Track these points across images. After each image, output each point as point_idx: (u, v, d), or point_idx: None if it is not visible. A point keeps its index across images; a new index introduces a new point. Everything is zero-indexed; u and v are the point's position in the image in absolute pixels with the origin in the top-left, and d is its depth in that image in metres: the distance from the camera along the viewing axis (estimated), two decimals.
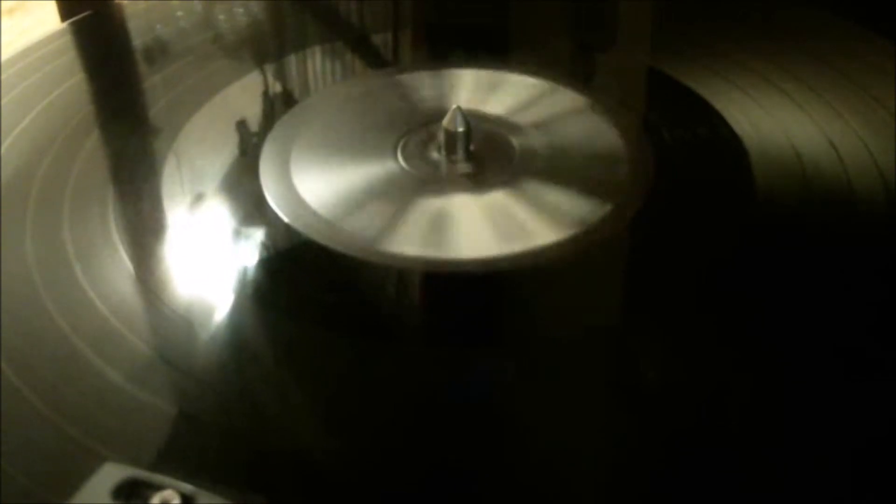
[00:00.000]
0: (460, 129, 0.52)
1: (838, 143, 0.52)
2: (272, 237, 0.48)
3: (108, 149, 0.56)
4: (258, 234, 0.49)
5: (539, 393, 0.39)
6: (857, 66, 0.59)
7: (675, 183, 0.51)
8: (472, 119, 0.53)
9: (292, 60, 0.66)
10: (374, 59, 0.68)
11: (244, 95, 0.61)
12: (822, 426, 0.37)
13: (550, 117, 0.57)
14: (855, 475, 0.35)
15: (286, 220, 0.48)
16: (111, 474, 0.30)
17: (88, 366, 0.39)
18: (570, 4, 0.74)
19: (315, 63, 0.66)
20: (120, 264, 0.45)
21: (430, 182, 0.51)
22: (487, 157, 0.53)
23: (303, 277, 0.47)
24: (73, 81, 0.62)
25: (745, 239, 0.47)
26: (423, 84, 0.61)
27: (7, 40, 0.93)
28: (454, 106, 0.52)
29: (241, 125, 0.58)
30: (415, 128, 0.55)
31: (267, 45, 0.69)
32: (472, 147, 0.53)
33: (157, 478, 0.30)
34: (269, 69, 0.64)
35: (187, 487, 0.30)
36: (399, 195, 0.50)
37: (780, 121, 0.55)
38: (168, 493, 0.30)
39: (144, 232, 0.49)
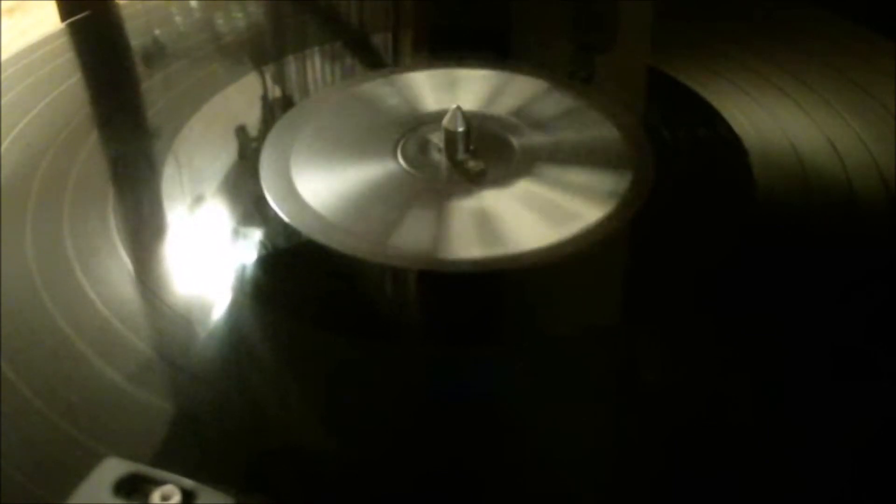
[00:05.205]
0: (460, 129, 0.52)
1: (838, 143, 0.52)
2: (272, 237, 0.48)
3: (108, 149, 0.56)
4: (258, 234, 0.49)
5: (538, 392, 0.39)
6: (857, 66, 0.59)
7: (675, 183, 0.51)
8: (472, 119, 0.53)
9: (292, 61, 0.66)
10: (374, 60, 0.68)
11: (244, 96, 0.61)
12: (822, 426, 0.36)
13: (550, 117, 0.57)
14: (855, 475, 0.35)
15: (286, 219, 0.48)
16: (112, 469, 0.30)
17: (88, 365, 0.39)
18: (570, 5, 0.74)
19: (314, 64, 0.66)
20: (120, 264, 0.45)
21: (430, 182, 0.51)
22: (487, 157, 0.53)
23: (302, 277, 0.47)
24: (72, 82, 0.62)
25: (745, 239, 0.47)
26: (423, 84, 0.61)
27: (6, 40, 0.93)
28: (454, 106, 0.52)
29: (241, 126, 0.58)
30: (415, 128, 0.55)
31: (266, 46, 0.69)
32: (471, 147, 0.53)
33: (159, 473, 0.30)
34: (269, 70, 0.64)
35: (188, 483, 0.30)
36: (399, 195, 0.50)
37: (780, 121, 0.55)
38: (169, 489, 0.30)
39: (144, 232, 0.49)
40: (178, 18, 0.71)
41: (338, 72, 0.66)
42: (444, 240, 0.47)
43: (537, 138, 0.55)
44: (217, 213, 0.51)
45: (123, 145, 0.56)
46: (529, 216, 0.49)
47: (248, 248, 0.48)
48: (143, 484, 0.30)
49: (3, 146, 0.54)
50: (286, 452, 0.36)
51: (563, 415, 0.38)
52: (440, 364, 0.41)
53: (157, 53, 0.66)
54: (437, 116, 0.53)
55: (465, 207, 0.49)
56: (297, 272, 0.47)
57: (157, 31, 0.68)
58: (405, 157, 0.53)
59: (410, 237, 0.47)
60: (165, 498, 0.30)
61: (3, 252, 0.46)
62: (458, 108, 0.52)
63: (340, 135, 0.56)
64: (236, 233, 0.49)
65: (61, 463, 0.35)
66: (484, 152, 0.53)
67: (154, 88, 0.62)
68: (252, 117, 0.59)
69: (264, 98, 0.62)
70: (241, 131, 0.57)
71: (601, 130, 0.55)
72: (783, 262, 0.45)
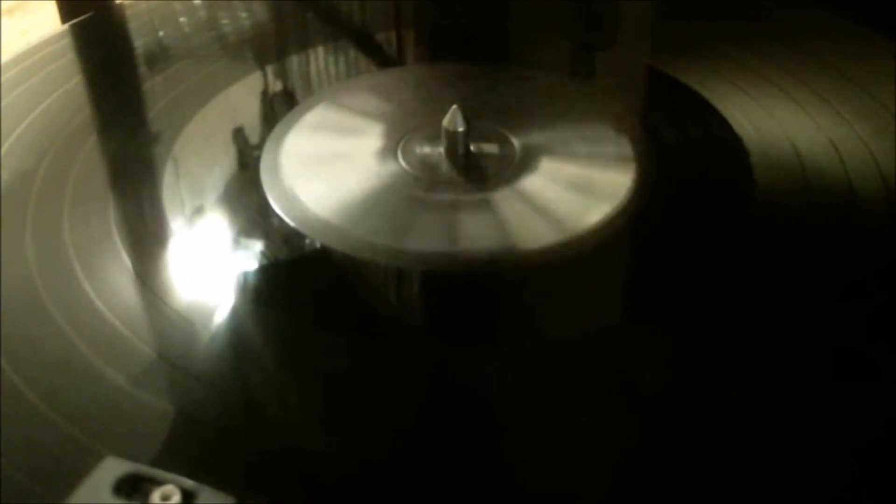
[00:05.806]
0: (460, 129, 0.52)
1: (838, 143, 0.52)
2: (272, 237, 0.48)
3: (109, 150, 0.56)
4: (258, 234, 0.49)
5: (538, 392, 0.39)
6: (857, 66, 0.59)
7: (675, 183, 0.51)
8: (472, 118, 0.53)
9: (293, 61, 0.66)
10: (375, 60, 0.68)
11: (245, 96, 0.61)
12: (822, 426, 0.36)
13: (550, 117, 0.57)
14: (854, 475, 0.35)
15: (286, 219, 0.48)
16: (112, 469, 0.30)
17: (88, 366, 0.39)
18: (570, 5, 0.74)
19: (315, 64, 0.66)
20: (120, 264, 0.45)
21: (431, 182, 0.51)
22: (487, 156, 0.53)
23: (302, 277, 0.47)
24: (73, 83, 0.62)
25: (745, 239, 0.47)
26: (423, 84, 0.61)
27: (6, 40, 0.93)
28: (454, 106, 0.52)
29: (243, 126, 0.58)
30: (415, 127, 0.55)
31: (268, 46, 0.69)
32: (472, 147, 0.53)
33: (159, 473, 0.30)
34: (270, 70, 0.64)
35: (188, 483, 0.30)
36: (399, 195, 0.50)
37: (780, 121, 0.55)
38: (169, 489, 0.30)
39: (145, 232, 0.49)
40: (180, 19, 0.71)
41: (339, 72, 0.66)
42: (444, 240, 0.47)
43: (537, 138, 0.55)
44: (217, 213, 0.51)
45: (124, 146, 0.56)
46: (529, 216, 0.48)
47: (247, 248, 0.48)
48: (143, 484, 0.30)
49: (4, 148, 0.54)
50: (286, 452, 0.36)
51: (563, 415, 0.38)
52: (440, 364, 0.41)
53: (158, 54, 0.66)
54: (438, 116, 0.53)
55: (465, 207, 0.49)
56: (296, 272, 0.47)
57: (158, 32, 0.69)
58: (405, 157, 0.53)
59: (410, 237, 0.47)
60: (165, 498, 0.30)
61: (3, 253, 0.46)
62: (458, 107, 0.52)
63: (341, 134, 0.56)
64: (236, 233, 0.49)
65: (61, 463, 0.35)
66: (484, 152, 0.53)
67: (155, 89, 0.62)
68: (254, 117, 0.59)
69: (265, 98, 0.62)
70: (242, 131, 0.57)
71: (601, 130, 0.55)
72: (783, 262, 0.45)
